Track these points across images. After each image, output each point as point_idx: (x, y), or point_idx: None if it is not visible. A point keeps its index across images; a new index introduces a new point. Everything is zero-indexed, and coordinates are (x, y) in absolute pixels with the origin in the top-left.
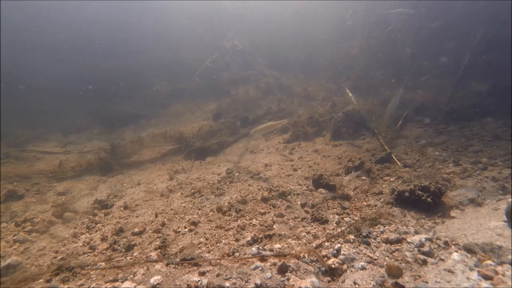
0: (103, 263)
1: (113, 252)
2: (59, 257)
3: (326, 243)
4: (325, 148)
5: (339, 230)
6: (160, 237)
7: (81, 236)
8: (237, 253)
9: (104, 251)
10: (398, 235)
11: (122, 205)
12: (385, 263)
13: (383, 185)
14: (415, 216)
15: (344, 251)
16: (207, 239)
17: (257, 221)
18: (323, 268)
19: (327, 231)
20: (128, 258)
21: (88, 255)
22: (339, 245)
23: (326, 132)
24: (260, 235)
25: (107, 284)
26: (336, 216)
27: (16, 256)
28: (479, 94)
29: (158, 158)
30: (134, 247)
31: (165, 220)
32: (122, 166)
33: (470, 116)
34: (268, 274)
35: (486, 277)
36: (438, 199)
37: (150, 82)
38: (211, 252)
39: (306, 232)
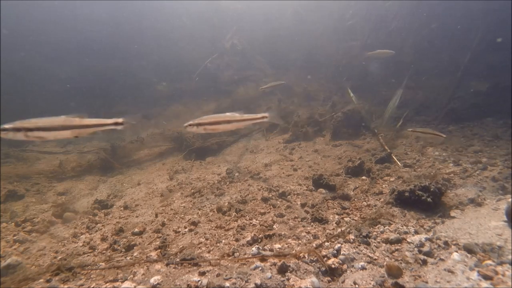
0: (103, 263)
1: (113, 252)
2: (59, 257)
3: (326, 243)
4: (325, 148)
5: (339, 230)
6: (160, 237)
7: (81, 236)
8: (237, 253)
9: (104, 251)
10: (398, 235)
11: (122, 205)
12: (385, 263)
13: (383, 185)
14: (415, 216)
15: (344, 251)
16: (207, 239)
17: (257, 221)
18: (323, 268)
19: (327, 231)
20: (128, 258)
21: (88, 255)
22: (339, 245)
23: (326, 132)
24: (260, 235)
25: (107, 284)
26: (336, 216)
27: (16, 256)
28: (479, 94)
29: (158, 158)
30: (134, 247)
31: (165, 220)
32: (122, 165)
33: (470, 116)
34: (268, 274)
35: (486, 277)
36: (438, 199)
37: (150, 82)
38: (211, 252)
39: (306, 232)
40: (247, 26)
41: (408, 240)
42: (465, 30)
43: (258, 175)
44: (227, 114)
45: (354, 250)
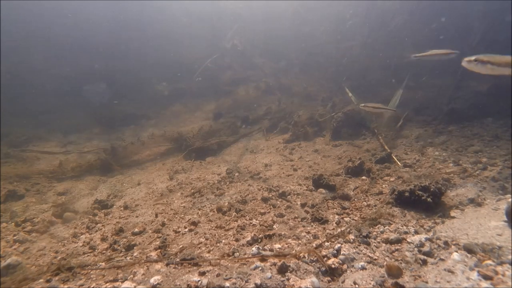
0: (103, 263)
1: (113, 252)
2: (59, 257)
3: (326, 243)
4: (325, 148)
5: (339, 230)
6: (160, 237)
7: (81, 236)
8: (237, 253)
9: (104, 251)
10: (398, 235)
11: (122, 205)
12: (385, 263)
13: (383, 185)
14: (415, 216)
15: (344, 251)
16: (207, 239)
17: (257, 221)
18: (323, 268)
19: (327, 231)
20: (128, 258)
21: (88, 255)
22: (339, 245)
23: (326, 132)
24: (260, 235)
25: (107, 284)
26: (336, 216)
27: (16, 256)
28: (479, 94)
29: (158, 158)
30: (134, 247)
31: (165, 220)
32: (122, 166)
33: (470, 116)
34: (268, 274)
35: (486, 277)
36: (438, 199)
37: (150, 82)
38: (211, 252)
39: (306, 232)
40: (247, 26)
41: (408, 240)
42: (465, 30)
43: (258, 175)
44: None
45: (354, 250)
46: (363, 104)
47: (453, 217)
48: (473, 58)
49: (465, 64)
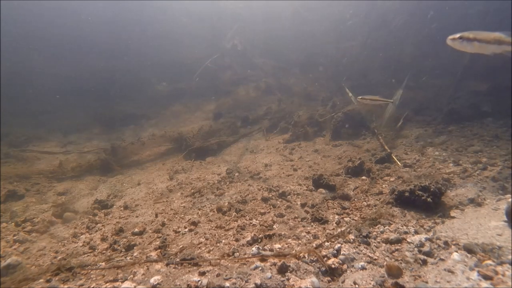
0: (103, 263)
1: (113, 252)
2: (59, 257)
3: (326, 243)
4: (325, 148)
5: (339, 230)
6: (160, 237)
7: (81, 236)
8: (237, 253)
9: (104, 251)
10: (398, 235)
11: (122, 205)
12: (385, 263)
13: (383, 185)
14: (415, 216)
15: (344, 251)
16: (207, 239)
17: (257, 221)
18: (323, 268)
19: (327, 231)
20: (128, 258)
21: (88, 255)
22: (339, 245)
23: (326, 132)
24: (260, 235)
25: (107, 284)
26: (336, 216)
27: (16, 256)
28: (479, 94)
29: (158, 158)
30: (134, 247)
31: (165, 220)
32: (122, 166)
33: (470, 116)
34: (268, 274)
35: (486, 277)
36: (438, 199)
37: (150, 82)
38: (211, 252)
39: (306, 232)
40: (247, 26)
41: (408, 240)
42: (464, 30)
43: (258, 175)
44: None
45: (354, 250)
46: (360, 97)
47: (453, 217)
48: (457, 35)
49: (450, 43)
